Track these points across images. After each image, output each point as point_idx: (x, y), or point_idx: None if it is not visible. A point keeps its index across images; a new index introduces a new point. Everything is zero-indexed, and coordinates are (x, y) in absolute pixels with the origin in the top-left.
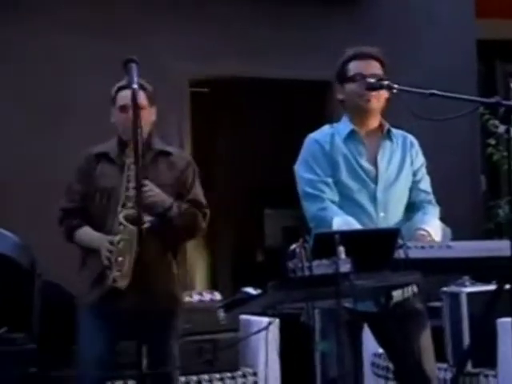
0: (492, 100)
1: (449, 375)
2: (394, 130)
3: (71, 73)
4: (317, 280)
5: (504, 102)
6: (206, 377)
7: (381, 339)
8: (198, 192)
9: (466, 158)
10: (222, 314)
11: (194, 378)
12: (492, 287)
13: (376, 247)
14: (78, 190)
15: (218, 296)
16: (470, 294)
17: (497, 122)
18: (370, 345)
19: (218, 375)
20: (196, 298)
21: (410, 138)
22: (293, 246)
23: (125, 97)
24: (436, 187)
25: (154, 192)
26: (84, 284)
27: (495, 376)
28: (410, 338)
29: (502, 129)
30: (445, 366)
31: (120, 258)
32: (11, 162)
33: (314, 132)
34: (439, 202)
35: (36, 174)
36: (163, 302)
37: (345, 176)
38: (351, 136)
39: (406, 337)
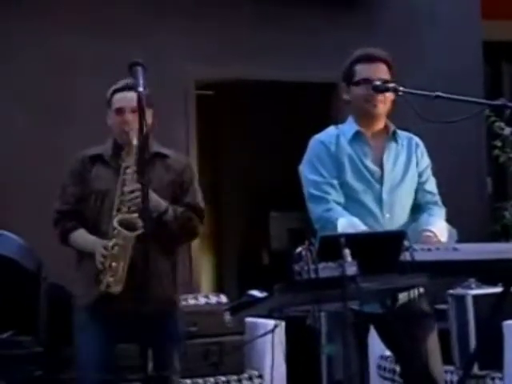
0: (498, 102)
1: (455, 377)
2: (399, 132)
3: (71, 73)
4: (323, 283)
5: (510, 104)
6: (211, 379)
7: (387, 341)
8: (195, 195)
9: (471, 159)
10: (228, 316)
11: (200, 380)
12: (498, 289)
13: (382, 250)
14: (72, 193)
15: (224, 299)
16: (476, 297)
17: (503, 124)
18: (377, 347)
19: (223, 378)
20: (202, 300)
21: (416, 139)
22: (299, 249)
23: (121, 99)
24: (442, 189)
25: (149, 196)
26: (79, 286)
27: (502, 378)
28: (416, 339)
29: (508, 131)
30: (451, 368)
31: (114, 264)
32: (11, 162)
33: (319, 133)
34: (445, 204)
35: (36, 174)
36: (159, 304)
37: (350, 177)
38: (356, 137)
39: (412, 338)
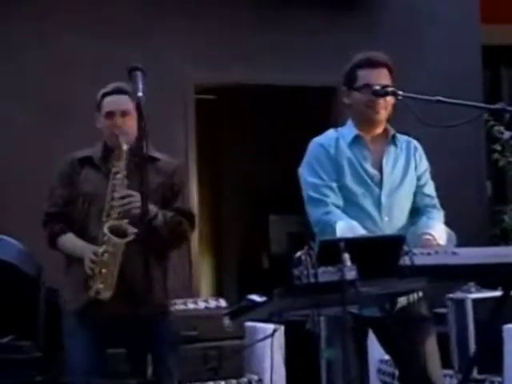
0: (497, 106)
1: (455, 381)
2: (398, 135)
3: (71, 73)
4: (322, 287)
5: (509, 108)
6: None
7: (386, 345)
8: (186, 200)
9: (471, 163)
10: (227, 321)
11: None
12: (498, 293)
13: (381, 254)
14: (60, 195)
15: (223, 303)
16: (475, 301)
17: (502, 128)
18: (376, 351)
19: (223, 382)
20: (202, 305)
21: (414, 142)
22: (298, 253)
23: (111, 103)
24: (441, 193)
25: (139, 203)
26: (68, 291)
27: (501, 383)
28: (415, 343)
29: (507, 135)
30: (451, 372)
31: (104, 270)
32: (11, 162)
33: (319, 136)
34: (445, 208)
35: (36, 174)
36: (149, 309)
37: (349, 180)
38: (356, 141)
39: (411, 342)
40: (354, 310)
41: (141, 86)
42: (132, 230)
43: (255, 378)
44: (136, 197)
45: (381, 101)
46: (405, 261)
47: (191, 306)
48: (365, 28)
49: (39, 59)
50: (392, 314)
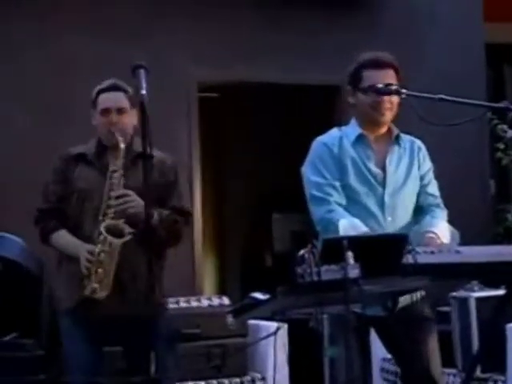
0: (500, 105)
1: (458, 380)
2: (402, 135)
3: (71, 73)
4: (325, 285)
5: None
6: (214, 382)
7: (388, 344)
8: (181, 197)
9: (474, 162)
10: (230, 319)
11: (203, 382)
12: (501, 292)
13: (385, 252)
14: (54, 191)
15: (226, 301)
16: (478, 299)
17: (505, 127)
18: (380, 350)
19: (226, 380)
20: (205, 302)
21: (418, 142)
22: (301, 252)
23: (106, 100)
24: (445, 191)
25: (135, 202)
26: (61, 289)
27: (504, 381)
28: (417, 342)
29: (510, 133)
30: (454, 371)
31: (100, 270)
32: (11, 162)
33: (322, 135)
34: (448, 206)
35: (36, 174)
36: (144, 308)
37: (353, 180)
38: (359, 140)
39: (413, 341)
40: (357, 309)
41: (144, 85)
42: (128, 229)
43: (258, 375)
44: (132, 196)
45: (386, 102)
46: (408, 259)
47: (194, 303)
48: (365, 28)
49: (39, 59)
50: (395, 313)
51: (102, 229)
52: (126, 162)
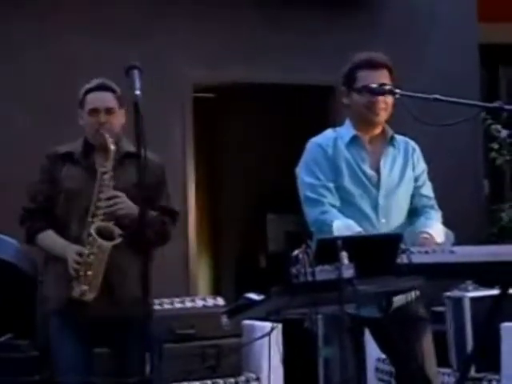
0: (494, 105)
1: (452, 380)
2: (396, 136)
3: (71, 73)
4: (320, 285)
5: (506, 107)
6: (209, 382)
7: (383, 344)
8: (169, 197)
9: (468, 162)
10: (225, 319)
11: (197, 383)
12: (495, 292)
13: (379, 252)
14: (40, 190)
15: (221, 301)
16: (473, 299)
17: (499, 127)
18: (374, 350)
19: (221, 380)
20: (199, 303)
21: (412, 143)
22: (296, 252)
23: (94, 99)
24: (439, 192)
25: (125, 204)
26: (48, 289)
27: (499, 381)
28: (412, 342)
29: (504, 133)
30: (448, 370)
31: (89, 272)
32: (11, 162)
33: (317, 136)
34: (442, 207)
35: (36, 174)
36: (132, 308)
37: (347, 181)
38: (354, 141)
39: (408, 342)
40: (352, 310)
41: (138, 85)
42: (118, 231)
43: (253, 376)
44: (122, 198)
45: (381, 102)
46: (402, 259)
47: (189, 304)
48: (365, 28)
49: (39, 59)
50: (389, 313)
51: (93, 231)
52: (114, 163)
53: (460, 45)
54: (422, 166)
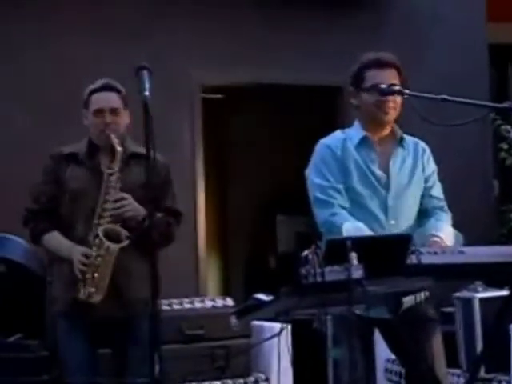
0: (504, 105)
1: (462, 380)
2: (406, 137)
3: (71, 73)
4: (329, 286)
5: None
6: (218, 383)
7: (393, 344)
8: (174, 198)
9: (477, 162)
10: (234, 320)
11: None
12: (505, 292)
13: (388, 253)
14: (43, 191)
15: (230, 302)
16: (482, 300)
17: (509, 127)
18: (384, 351)
19: (230, 381)
20: (209, 303)
21: (422, 144)
22: (305, 252)
23: (99, 100)
24: (448, 192)
25: (131, 206)
26: (53, 289)
27: (509, 382)
28: (422, 343)
29: None
30: (458, 371)
31: (96, 274)
32: (11, 162)
33: (326, 137)
34: (451, 207)
35: (36, 174)
36: (138, 309)
37: (356, 182)
38: (363, 142)
39: (418, 342)
40: (361, 311)
41: (147, 86)
42: (125, 234)
43: (262, 376)
44: (129, 200)
45: (390, 101)
46: (412, 260)
47: (198, 304)
48: (365, 28)
49: (39, 59)
50: (399, 314)
51: (100, 232)
52: (121, 164)
53: (467, 45)
54: (432, 167)
